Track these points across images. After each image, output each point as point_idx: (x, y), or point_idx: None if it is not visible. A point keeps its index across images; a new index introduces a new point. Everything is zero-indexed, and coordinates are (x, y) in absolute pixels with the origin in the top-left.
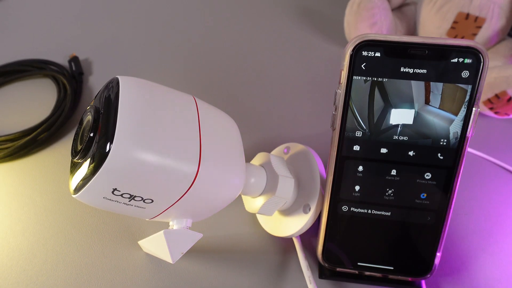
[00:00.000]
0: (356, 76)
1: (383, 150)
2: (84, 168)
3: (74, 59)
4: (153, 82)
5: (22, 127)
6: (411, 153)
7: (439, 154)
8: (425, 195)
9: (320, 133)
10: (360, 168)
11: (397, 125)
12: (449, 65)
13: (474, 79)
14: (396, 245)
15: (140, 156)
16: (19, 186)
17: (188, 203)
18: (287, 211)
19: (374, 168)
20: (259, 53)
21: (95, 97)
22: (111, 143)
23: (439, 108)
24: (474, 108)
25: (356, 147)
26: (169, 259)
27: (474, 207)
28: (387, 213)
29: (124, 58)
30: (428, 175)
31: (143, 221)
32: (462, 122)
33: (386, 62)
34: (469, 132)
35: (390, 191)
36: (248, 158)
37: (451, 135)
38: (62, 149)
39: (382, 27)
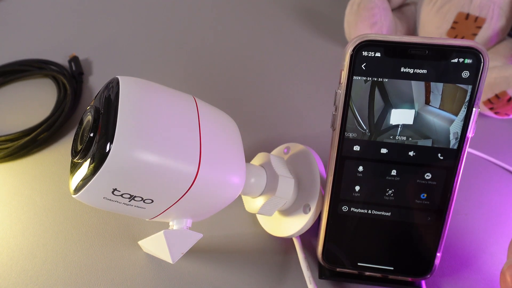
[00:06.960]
0: (356, 76)
1: (383, 150)
2: (84, 168)
3: (74, 59)
4: (153, 82)
5: (22, 127)
6: (411, 153)
7: (439, 154)
8: (425, 195)
9: (320, 133)
10: (360, 168)
11: (397, 125)
12: (449, 65)
13: (474, 79)
14: (396, 246)
15: (140, 156)
16: (19, 186)
17: (188, 203)
18: (287, 211)
19: (374, 168)
20: (259, 53)
21: (95, 97)
22: (111, 143)
23: (439, 108)
24: (474, 108)
25: (356, 147)
26: (169, 259)
27: (474, 207)
28: (387, 213)
29: (124, 58)
30: (428, 175)
31: (143, 221)
32: (462, 122)
33: (386, 62)
34: (469, 132)
35: (390, 191)
36: (248, 158)
37: (451, 135)
38: (62, 149)
39: (382, 27)
